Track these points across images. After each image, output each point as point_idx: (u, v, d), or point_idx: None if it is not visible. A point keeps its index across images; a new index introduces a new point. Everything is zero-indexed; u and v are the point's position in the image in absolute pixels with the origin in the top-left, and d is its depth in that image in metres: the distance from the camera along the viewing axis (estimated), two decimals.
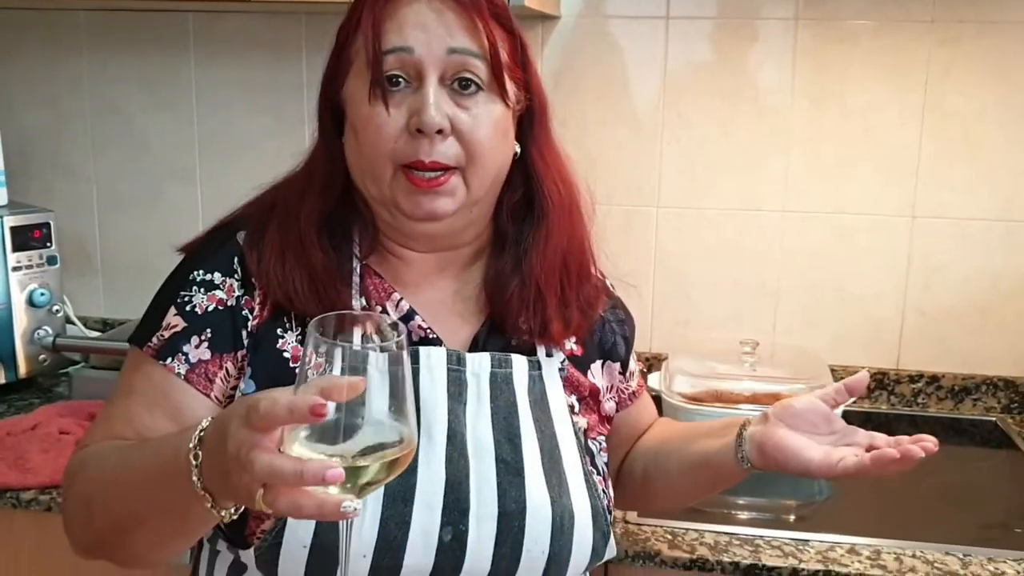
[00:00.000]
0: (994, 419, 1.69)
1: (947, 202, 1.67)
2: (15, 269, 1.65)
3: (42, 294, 1.68)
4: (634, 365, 1.14)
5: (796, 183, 1.70)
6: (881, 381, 1.73)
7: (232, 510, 0.77)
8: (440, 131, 0.89)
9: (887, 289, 1.72)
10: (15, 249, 1.65)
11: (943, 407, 1.72)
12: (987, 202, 1.66)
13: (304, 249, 0.94)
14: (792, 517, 1.33)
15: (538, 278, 0.98)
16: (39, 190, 1.89)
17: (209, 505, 0.75)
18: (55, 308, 1.70)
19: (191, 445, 0.75)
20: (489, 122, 0.91)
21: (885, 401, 1.74)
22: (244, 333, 0.94)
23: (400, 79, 0.90)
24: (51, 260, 1.70)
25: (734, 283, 1.75)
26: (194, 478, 0.74)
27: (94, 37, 1.86)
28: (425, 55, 0.89)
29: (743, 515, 1.32)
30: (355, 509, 0.67)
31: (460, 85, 0.90)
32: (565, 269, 1.00)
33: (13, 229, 1.65)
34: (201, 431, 0.75)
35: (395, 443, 0.69)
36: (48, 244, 1.69)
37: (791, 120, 1.68)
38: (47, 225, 1.69)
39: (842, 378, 1.68)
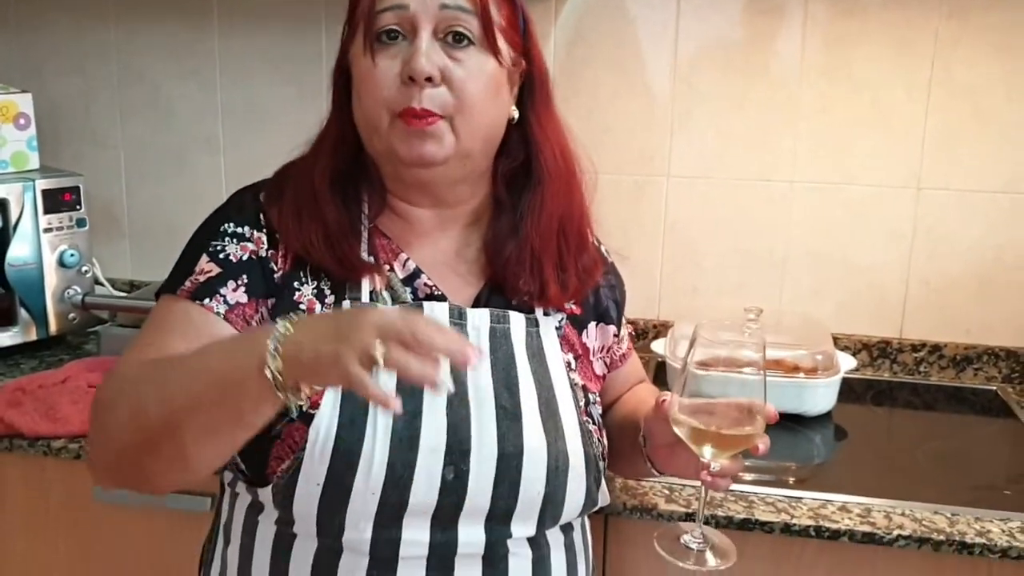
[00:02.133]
0: (995, 388, 1.72)
1: (952, 174, 1.69)
2: (46, 231, 1.72)
3: (72, 255, 1.74)
4: (623, 329, 1.19)
5: (804, 155, 1.73)
6: (884, 350, 1.76)
7: (298, 400, 0.79)
8: (430, 79, 0.93)
9: (892, 259, 1.74)
10: (46, 211, 1.71)
11: (944, 376, 1.75)
12: (992, 175, 1.68)
13: (318, 205, 0.99)
14: (791, 479, 1.36)
15: (533, 242, 1.03)
16: (69, 155, 1.96)
17: (274, 370, 0.77)
18: (84, 269, 1.77)
19: (280, 320, 0.79)
20: (480, 75, 0.96)
21: (887, 369, 1.77)
22: (273, 282, 0.99)
23: (396, 33, 0.95)
24: (80, 222, 1.76)
25: (742, 252, 1.78)
26: (272, 344, 0.77)
27: (122, 7, 1.91)
28: (419, 10, 0.94)
29: (743, 475, 1.35)
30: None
31: (453, 38, 0.95)
32: (563, 235, 1.05)
33: (44, 192, 1.71)
34: (295, 318, 0.80)
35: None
36: (78, 207, 1.75)
37: (800, 93, 1.71)
38: (76, 189, 1.75)
39: (845, 346, 1.75)
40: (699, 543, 1.02)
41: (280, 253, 1.01)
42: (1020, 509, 1.25)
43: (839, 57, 1.69)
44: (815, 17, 1.68)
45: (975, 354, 1.74)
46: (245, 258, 0.99)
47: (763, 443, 0.96)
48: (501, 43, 0.98)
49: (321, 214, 0.99)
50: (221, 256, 0.99)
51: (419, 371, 0.74)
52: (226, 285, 0.97)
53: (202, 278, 0.98)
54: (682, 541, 1.02)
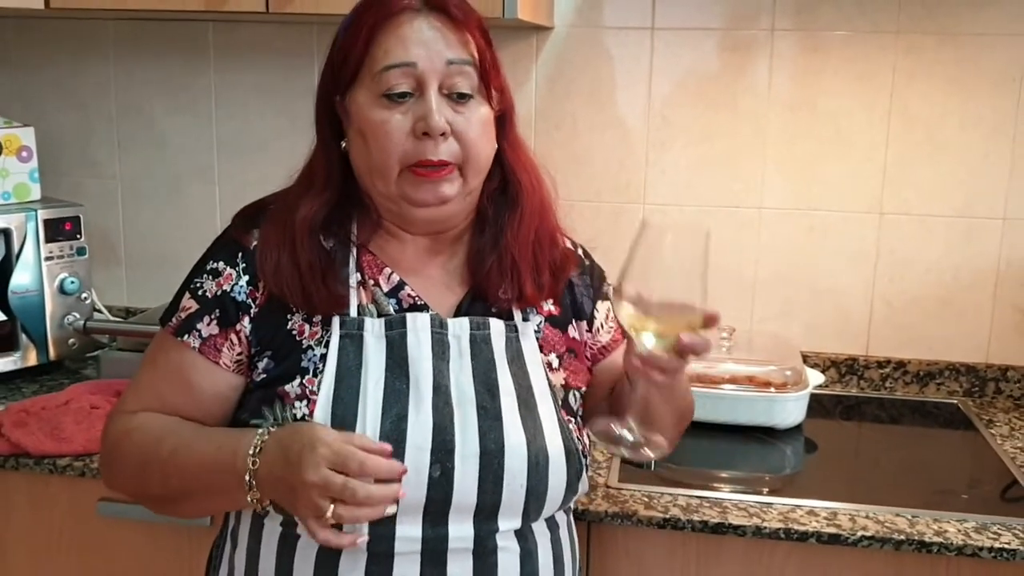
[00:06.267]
0: (956, 402, 1.80)
1: (912, 200, 1.79)
2: (47, 259, 1.78)
3: (72, 282, 1.80)
4: (603, 320, 1.22)
5: (772, 182, 1.83)
6: (851, 367, 1.85)
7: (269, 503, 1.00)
8: (443, 133, 1.03)
9: (856, 281, 1.84)
10: (47, 240, 1.78)
11: (909, 391, 1.84)
12: (948, 200, 1.78)
13: (295, 250, 1.08)
14: (764, 489, 1.44)
15: (514, 252, 1.12)
16: (69, 186, 2.02)
17: (253, 500, 0.99)
18: (84, 296, 1.83)
19: (251, 454, 0.98)
20: (480, 123, 1.06)
21: (855, 386, 1.86)
22: (240, 312, 1.09)
23: (406, 92, 1.04)
24: (80, 251, 1.83)
25: (714, 275, 1.86)
26: (247, 478, 0.98)
27: (121, 45, 2.00)
28: (427, 68, 1.03)
29: (717, 484, 1.43)
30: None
31: (456, 93, 1.05)
32: (538, 241, 1.14)
33: (46, 222, 1.78)
34: (259, 446, 0.98)
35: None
36: (78, 236, 1.82)
37: (767, 124, 1.81)
38: (77, 219, 1.82)
39: (815, 364, 1.84)
40: (632, 434, 1.06)
41: (259, 285, 1.09)
42: (976, 511, 1.34)
43: (804, 90, 1.79)
44: (781, 53, 1.78)
45: (937, 370, 1.83)
46: (219, 293, 1.10)
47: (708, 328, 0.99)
48: (492, 89, 1.08)
49: (297, 259, 1.08)
50: (199, 293, 1.11)
51: (365, 515, 0.94)
52: (202, 320, 1.10)
53: (183, 315, 1.11)
54: (615, 431, 1.07)
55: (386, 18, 1.05)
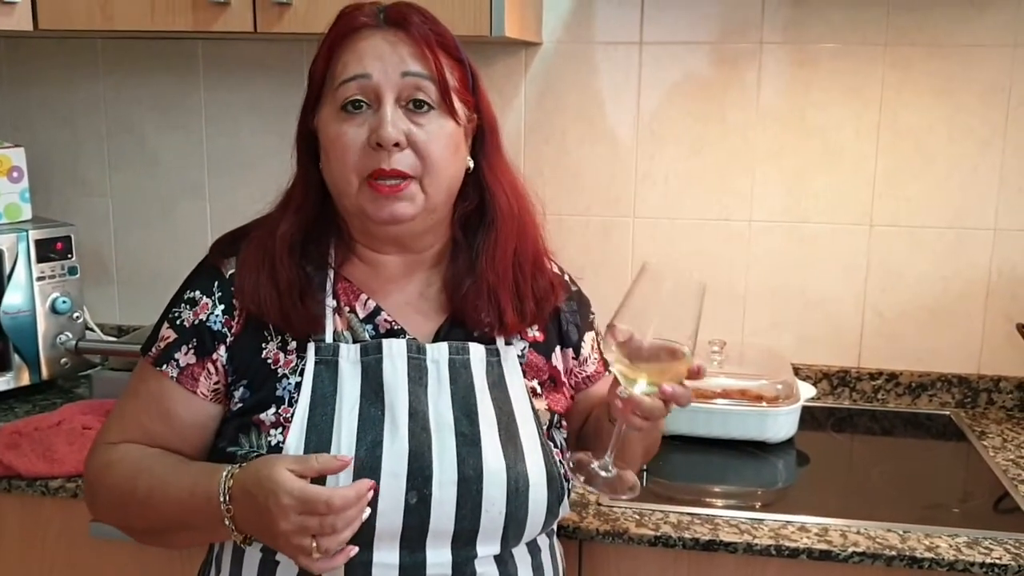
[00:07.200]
0: (948, 413, 1.81)
1: (901, 212, 1.80)
2: (39, 279, 1.78)
3: (64, 302, 1.80)
4: (589, 351, 1.24)
5: (761, 195, 1.83)
6: (843, 378, 1.85)
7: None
8: (397, 144, 1.02)
9: (847, 292, 1.84)
10: (39, 260, 1.78)
11: (901, 402, 1.85)
12: (938, 211, 1.79)
13: (275, 268, 1.08)
14: (757, 504, 1.44)
15: (489, 277, 1.11)
16: (59, 205, 2.02)
17: (238, 540, 1.01)
18: (75, 315, 1.83)
19: (222, 501, 0.99)
20: (441, 136, 1.05)
21: (847, 397, 1.86)
22: (216, 341, 1.10)
23: (361, 103, 1.04)
24: (72, 270, 1.83)
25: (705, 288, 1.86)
26: (227, 522, 1.00)
27: (110, 63, 2.00)
28: (382, 80, 1.03)
29: (709, 499, 1.43)
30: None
31: (414, 105, 1.04)
32: (519, 267, 1.13)
33: (37, 242, 1.77)
34: (227, 493, 0.99)
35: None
36: (69, 256, 1.82)
37: (756, 137, 1.81)
38: (68, 238, 1.82)
39: (807, 376, 1.84)
40: (607, 472, 1.08)
41: (235, 313, 1.10)
42: (967, 526, 1.34)
43: (793, 103, 1.79)
44: (768, 67, 1.79)
45: (929, 381, 1.83)
46: (196, 323, 1.11)
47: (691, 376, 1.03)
48: (457, 104, 1.07)
49: (276, 278, 1.08)
50: (177, 323, 1.12)
51: (346, 536, 0.95)
52: (180, 350, 1.10)
53: (163, 344, 1.12)
54: (593, 467, 1.08)
55: (346, 35, 1.06)
